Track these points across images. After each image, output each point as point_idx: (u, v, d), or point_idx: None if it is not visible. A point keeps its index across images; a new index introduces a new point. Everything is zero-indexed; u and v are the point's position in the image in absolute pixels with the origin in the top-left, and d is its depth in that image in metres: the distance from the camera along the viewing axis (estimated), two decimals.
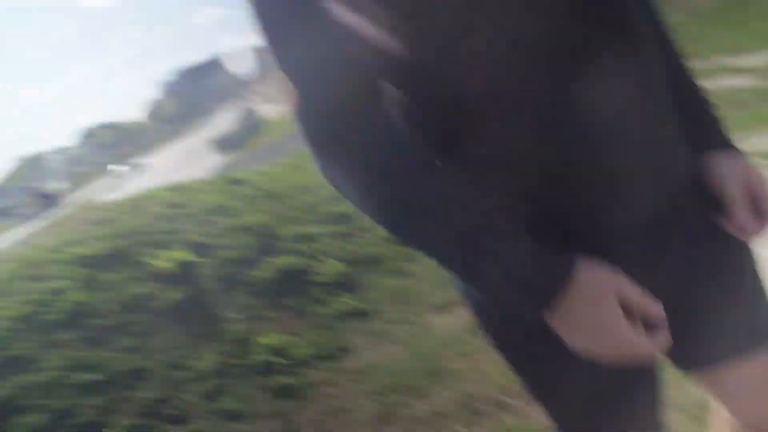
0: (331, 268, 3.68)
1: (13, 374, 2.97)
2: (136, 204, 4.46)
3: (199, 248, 3.75)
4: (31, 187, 21.07)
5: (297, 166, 6.42)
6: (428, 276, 3.24)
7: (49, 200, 20.13)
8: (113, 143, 77.66)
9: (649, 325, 0.59)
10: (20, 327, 3.25)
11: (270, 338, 3.08)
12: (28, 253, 3.91)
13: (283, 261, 3.75)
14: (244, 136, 23.54)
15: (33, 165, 77.17)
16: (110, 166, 19.46)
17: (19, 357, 3.07)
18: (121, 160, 42.31)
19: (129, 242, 3.86)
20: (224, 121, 16.88)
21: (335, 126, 0.60)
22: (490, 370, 2.10)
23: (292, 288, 3.58)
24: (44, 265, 3.74)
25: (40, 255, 3.84)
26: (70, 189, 33.50)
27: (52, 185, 45.04)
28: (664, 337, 0.59)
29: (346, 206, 2.50)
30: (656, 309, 0.59)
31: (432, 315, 3.01)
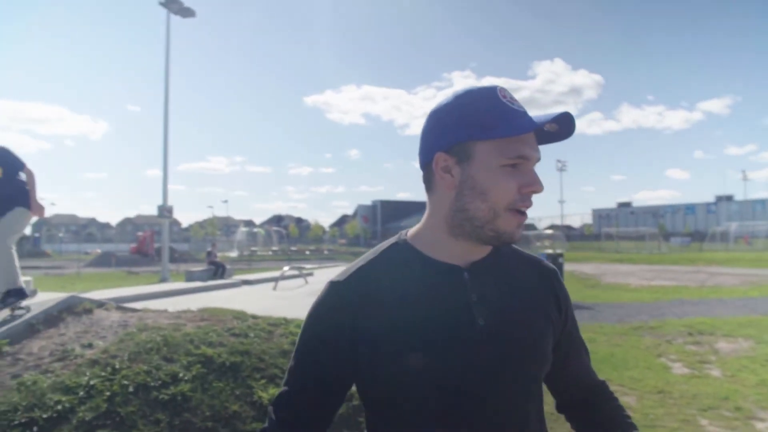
0: None
1: (106, 428, 3.56)
2: (270, 329, 5.05)
3: None
4: (212, 251, 23.09)
5: None
6: None
7: (218, 269, 21.87)
8: (297, 239, 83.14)
9: None
10: (132, 392, 3.88)
11: None
12: (170, 334, 4.59)
13: None
14: None
15: (221, 225, 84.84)
16: (285, 267, 20.64)
17: (122, 415, 3.66)
18: (296, 258, 45.56)
19: (248, 363, 4.41)
20: None
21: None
22: None
23: None
24: (177, 349, 4.39)
25: (179, 339, 4.50)
26: (240, 263, 36.51)
27: (228, 254, 49.30)
28: None
29: None
30: None
31: None
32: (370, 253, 1.23)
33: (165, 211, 23.58)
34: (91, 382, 3.88)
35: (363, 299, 1.13)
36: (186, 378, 4.10)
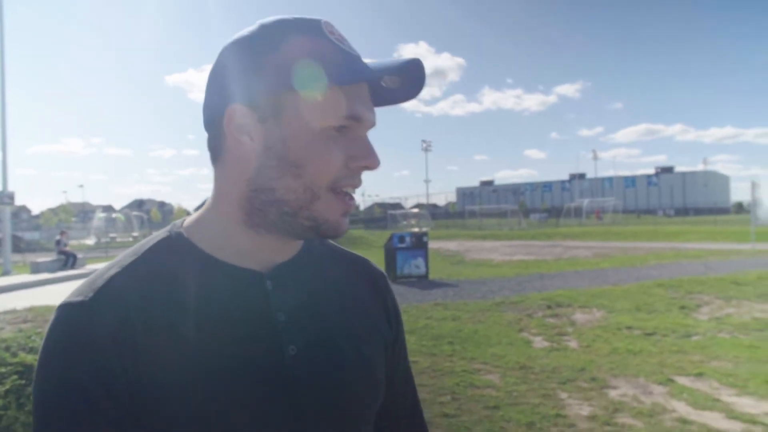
0: None
1: None
2: None
3: None
4: (60, 240, 21.38)
5: None
6: None
7: (68, 259, 20.27)
8: (160, 224, 79.51)
9: None
10: None
11: None
12: None
13: None
14: None
15: (77, 212, 79.21)
16: None
17: None
18: None
19: None
20: None
21: None
22: None
23: None
24: None
25: None
26: (96, 251, 34.18)
27: (84, 242, 46.08)
28: None
29: None
30: None
31: None
32: (128, 255, 0.83)
33: (5, 197, 21.49)
34: None
35: (120, 327, 0.73)
36: None
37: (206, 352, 0.75)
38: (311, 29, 0.79)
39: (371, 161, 0.80)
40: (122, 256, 0.83)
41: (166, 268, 0.80)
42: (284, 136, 0.77)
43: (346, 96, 0.77)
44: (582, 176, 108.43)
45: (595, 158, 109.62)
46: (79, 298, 0.75)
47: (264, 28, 0.80)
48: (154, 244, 0.84)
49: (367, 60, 0.82)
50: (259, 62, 0.78)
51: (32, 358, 3.82)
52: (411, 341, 7.49)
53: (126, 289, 0.77)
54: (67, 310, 0.75)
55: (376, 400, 0.90)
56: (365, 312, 0.93)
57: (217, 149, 0.83)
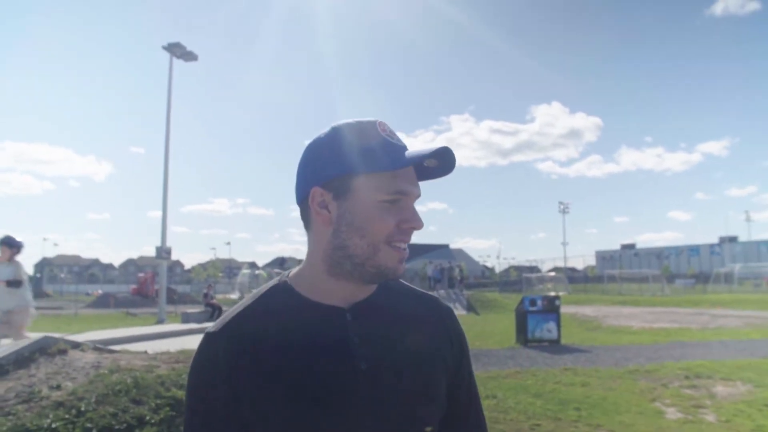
0: None
1: None
2: None
3: None
4: (208, 293, 22.98)
5: None
6: None
7: (214, 311, 21.71)
8: None
9: None
10: None
11: None
12: (142, 375, 4.48)
13: None
14: None
15: (224, 267, 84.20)
16: None
17: None
18: None
19: None
20: None
21: None
22: None
23: None
24: (147, 392, 4.27)
25: (150, 381, 4.39)
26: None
27: (229, 296, 48.85)
28: None
29: None
30: None
31: None
32: (248, 298, 1.16)
33: (163, 252, 23.59)
34: (54, 425, 3.78)
35: (237, 349, 1.05)
36: (153, 421, 4.00)
37: (298, 367, 1.04)
38: (369, 128, 1.08)
39: (416, 223, 1.08)
40: (246, 298, 1.16)
41: (273, 306, 1.12)
42: (351, 209, 1.06)
43: (394, 177, 1.06)
44: (733, 239, 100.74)
45: (748, 219, 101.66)
46: (213, 329, 1.10)
47: (334, 130, 1.10)
48: (267, 289, 1.16)
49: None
50: (330, 155, 1.08)
51: (182, 394, 4.32)
52: (536, 405, 7.41)
53: (242, 323, 1.09)
54: (204, 337, 1.10)
55: (430, 412, 1.13)
56: (429, 339, 1.17)
57: (306, 220, 1.13)
